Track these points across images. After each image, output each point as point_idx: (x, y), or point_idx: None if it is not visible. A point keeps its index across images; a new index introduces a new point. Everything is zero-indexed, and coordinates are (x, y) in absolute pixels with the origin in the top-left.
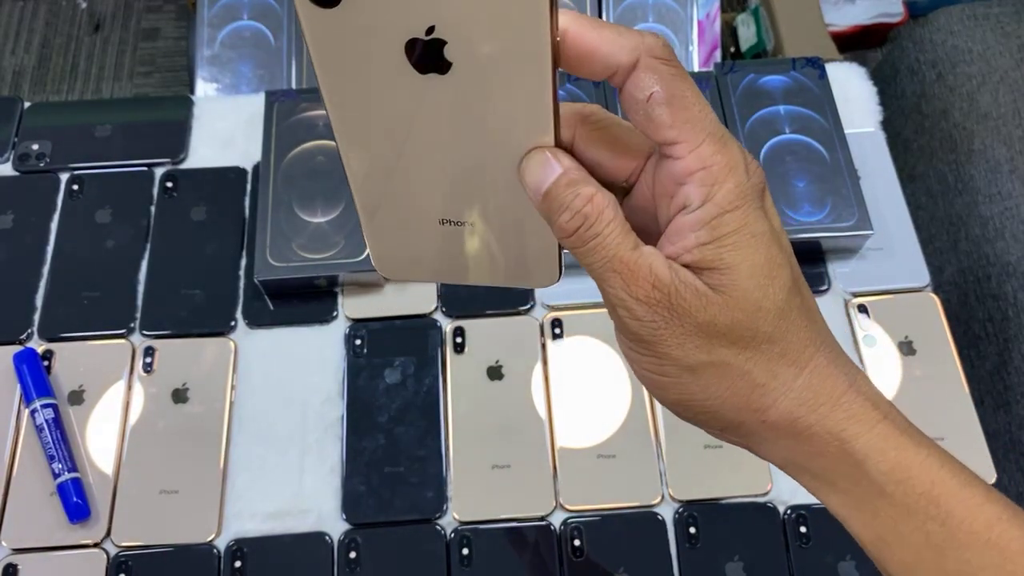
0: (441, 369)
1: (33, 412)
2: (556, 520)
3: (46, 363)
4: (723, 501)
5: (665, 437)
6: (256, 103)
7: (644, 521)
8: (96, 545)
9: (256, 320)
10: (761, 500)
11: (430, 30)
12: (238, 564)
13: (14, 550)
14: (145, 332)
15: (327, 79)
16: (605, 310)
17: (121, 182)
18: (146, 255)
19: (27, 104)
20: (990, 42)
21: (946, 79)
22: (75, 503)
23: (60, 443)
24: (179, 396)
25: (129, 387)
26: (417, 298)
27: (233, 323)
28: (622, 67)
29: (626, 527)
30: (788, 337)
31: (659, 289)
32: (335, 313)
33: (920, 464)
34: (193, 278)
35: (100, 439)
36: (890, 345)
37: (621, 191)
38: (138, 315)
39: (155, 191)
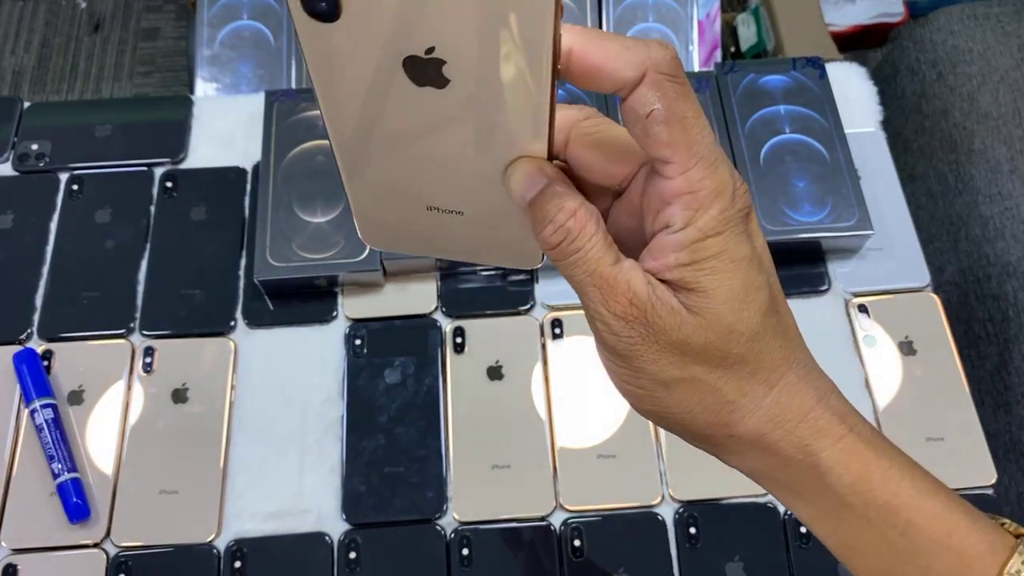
0: (441, 369)
1: (33, 412)
2: (556, 520)
3: (46, 363)
4: (723, 501)
5: (665, 437)
6: (256, 103)
7: (644, 521)
8: (96, 545)
9: (256, 320)
10: (761, 500)
11: (430, 50)
12: (238, 564)
13: (14, 550)
14: (145, 332)
15: (321, 84)
16: None
17: (121, 182)
18: (146, 255)
19: (27, 104)
20: (990, 42)
21: (946, 79)
22: (75, 503)
23: (60, 443)
24: (179, 396)
25: (129, 387)
26: (417, 298)
27: (233, 323)
28: (628, 82)
29: (626, 527)
30: (760, 358)
31: (636, 306)
32: (335, 313)
33: (882, 476)
34: (193, 278)
35: (100, 439)
36: (890, 345)
37: (612, 193)
38: (138, 315)
39: (155, 191)
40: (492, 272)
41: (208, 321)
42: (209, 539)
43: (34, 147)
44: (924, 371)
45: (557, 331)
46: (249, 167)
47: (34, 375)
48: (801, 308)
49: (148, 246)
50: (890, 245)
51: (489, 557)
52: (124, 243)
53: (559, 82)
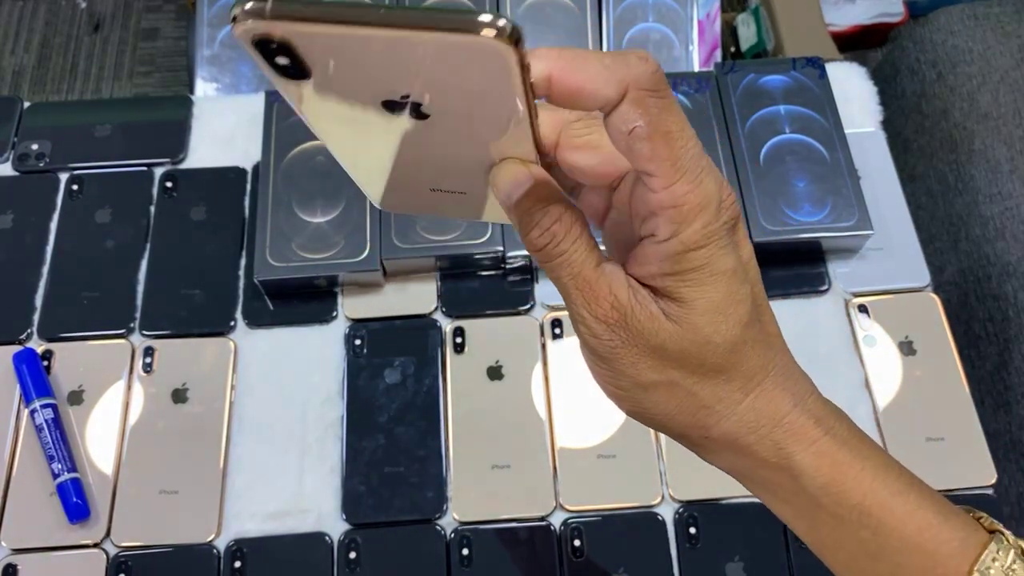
0: (441, 369)
1: (33, 412)
2: (556, 520)
3: (46, 363)
4: (723, 501)
5: (665, 437)
6: (256, 103)
7: (644, 521)
8: (96, 545)
9: (256, 320)
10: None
11: (404, 96)
12: (238, 564)
13: (14, 550)
14: (145, 332)
15: (309, 120)
16: None
17: (121, 182)
18: (146, 255)
19: (27, 104)
20: (990, 42)
21: (946, 79)
22: (75, 503)
23: (60, 443)
24: (179, 396)
25: (129, 387)
26: (417, 298)
27: (233, 323)
28: (610, 101)
29: (626, 527)
30: (737, 367)
31: (617, 310)
32: (335, 313)
33: (854, 477)
34: (193, 278)
35: (100, 439)
36: (890, 345)
37: (605, 190)
38: (138, 315)
39: (155, 191)
40: (492, 272)
41: (208, 321)
42: (209, 539)
43: (34, 147)
44: (924, 371)
45: (557, 331)
46: (249, 167)
47: (34, 375)
48: (801, 308)
49: (148, 246)
50: (890, 245)
51: (489, 557)
52: (124, 243)
53: None
